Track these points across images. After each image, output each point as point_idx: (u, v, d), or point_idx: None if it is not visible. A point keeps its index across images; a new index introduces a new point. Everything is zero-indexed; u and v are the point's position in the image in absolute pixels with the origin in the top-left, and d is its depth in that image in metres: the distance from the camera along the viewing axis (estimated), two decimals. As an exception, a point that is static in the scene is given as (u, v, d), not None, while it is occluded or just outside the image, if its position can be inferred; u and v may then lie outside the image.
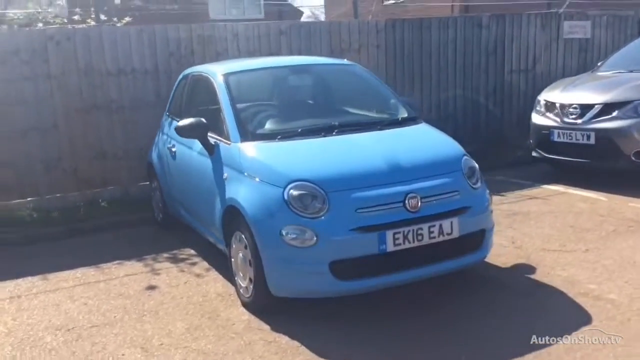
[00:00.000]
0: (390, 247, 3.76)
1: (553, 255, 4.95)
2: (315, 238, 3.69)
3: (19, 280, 5.00)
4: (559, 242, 5.24)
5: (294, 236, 3.71)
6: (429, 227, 3.86)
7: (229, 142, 4.41)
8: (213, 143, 4.57)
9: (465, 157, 4.36)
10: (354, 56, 8.32)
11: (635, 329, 3.66)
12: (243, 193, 4.06)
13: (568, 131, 7.09)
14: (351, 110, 5.02)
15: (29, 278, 5.05)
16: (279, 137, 4.34)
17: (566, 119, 7.13)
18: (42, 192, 6.99)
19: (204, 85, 5.12)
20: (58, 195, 7.06)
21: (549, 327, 3.72)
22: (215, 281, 4.75)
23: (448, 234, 3.93)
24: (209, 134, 4.64)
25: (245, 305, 4.21)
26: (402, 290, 4.18)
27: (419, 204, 3.87)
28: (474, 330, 3.80)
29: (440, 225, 3.90)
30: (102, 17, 8.12)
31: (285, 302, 3.97)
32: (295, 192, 3.79)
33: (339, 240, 3.72)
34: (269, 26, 7.93)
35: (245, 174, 4.12)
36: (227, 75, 4.89)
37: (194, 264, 5.20)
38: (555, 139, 7.25)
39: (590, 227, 5.60)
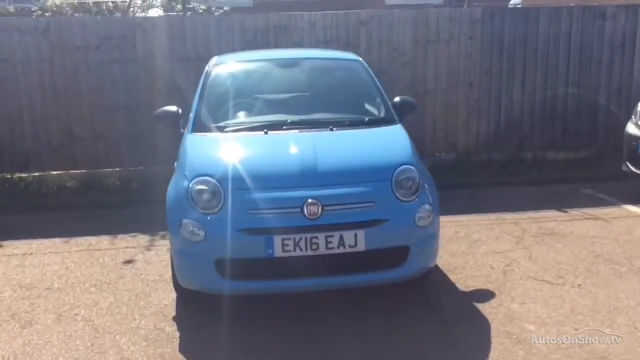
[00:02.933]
0: (278, 253, 3.64)
1: (533, 285, 4.34)
2: (203, 234, 3.72)
3: (47, 240, 5.70)
4: (558, 273, 4.56)
5: (189, 230, 3.76)
6: (327, 237, 3.66)
7: (185, 132, 4.58)
8: (182, 132, 4.76)
9: (403, 166, 3.97)
10: (443, 48, 7.91)
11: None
12: (171, 183, 4.21)
13: (655, 144, 6.01)
14: (321, 107, 4.81)
15: (57, 239, 5.73)
16: (224, 130, 4.41)
17: (654, 130, 6.04)
18: (126, 164, 7.80)
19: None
20: (141, 167, 7.80)
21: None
22: (183, 264, 4.96)
23: (351, 247, 3.68)
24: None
25: (176, 291, 4.38)
26: (318, 299, 4.03)
27: (319, 211, 3.68)
28: (366, 347, 3.56)
29: (341, 236, 3.66)
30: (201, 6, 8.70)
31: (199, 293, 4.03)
32: (196, 187, 3.84)
33: (225, 239, 3.70)
34: (348, 16, 7.81)
35: (179, 164, 4.26)
36: (214, 66, 5.06)
37: (187, 244, 5.46)
38: (642, 152, 6.19)
39: (618, 260, 4.77)
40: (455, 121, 8.13)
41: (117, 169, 7.83)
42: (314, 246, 3.66)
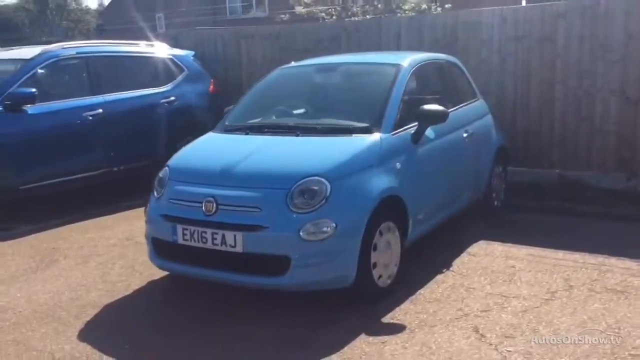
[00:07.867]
0: (180, 240, 4.11)
1: (458, 337, 3.64)
2: (148, 215, 4.41)
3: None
4: (520, 333, 3.62)
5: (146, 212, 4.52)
6: (212, 234, 3.94)
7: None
8: None
9: (311, 178, 3.90)
10: (665, 43, 6.28)
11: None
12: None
13: None
14: (322, 113, 4.81)
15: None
16: (225, 130, 4.93)
17: None
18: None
19: None
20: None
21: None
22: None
23: (231, 246, 3.89)
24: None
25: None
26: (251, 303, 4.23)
27: (214, 209, 3.97)
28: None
29: (223, 235, 3.90)
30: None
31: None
32: (159, 175, 4.54)
33: (153, 221, 4.33)
34: (543, 9, 6.85)
35: None
36: (274, 70, 5.50)
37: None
38: None
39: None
40: (681, 137, 6.37)
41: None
42: (204, 240, 3.99)
